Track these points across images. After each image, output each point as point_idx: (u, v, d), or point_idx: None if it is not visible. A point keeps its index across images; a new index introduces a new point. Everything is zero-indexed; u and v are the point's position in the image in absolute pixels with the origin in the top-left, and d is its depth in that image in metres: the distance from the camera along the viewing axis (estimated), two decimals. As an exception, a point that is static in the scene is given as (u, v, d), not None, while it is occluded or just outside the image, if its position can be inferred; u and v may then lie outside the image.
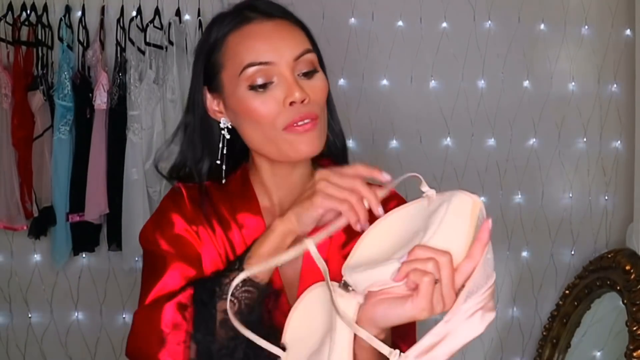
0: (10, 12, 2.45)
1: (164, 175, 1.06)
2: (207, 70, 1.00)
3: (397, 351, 0.74)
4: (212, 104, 1.01)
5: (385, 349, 0.75)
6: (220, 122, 1.01)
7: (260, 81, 0.93)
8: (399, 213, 0.83)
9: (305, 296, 0.87)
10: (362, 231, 0.84)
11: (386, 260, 0.76)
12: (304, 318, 0.86)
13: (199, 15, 2.51)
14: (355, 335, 0.79)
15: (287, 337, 0.85)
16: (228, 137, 1.01)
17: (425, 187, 0.80)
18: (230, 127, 1.01)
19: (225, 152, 1.02)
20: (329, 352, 0.79)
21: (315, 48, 1.00)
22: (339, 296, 0.79)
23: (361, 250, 0.81)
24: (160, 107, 2.43)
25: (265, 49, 0.94)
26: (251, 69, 0.93)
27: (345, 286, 0.79)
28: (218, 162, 1.02)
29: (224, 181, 1.03)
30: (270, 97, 0.93)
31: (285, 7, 1.01)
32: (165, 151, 1.08)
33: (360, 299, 0.78)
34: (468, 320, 0.73)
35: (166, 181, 1.07)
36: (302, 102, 0.93)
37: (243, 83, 0.94)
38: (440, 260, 0.73)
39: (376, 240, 0.82)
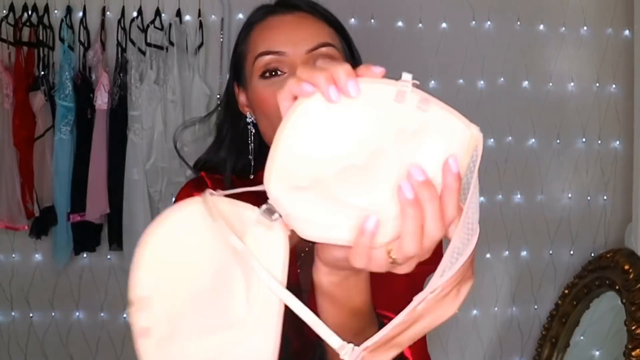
0: (11, 13, 2.46)
1: (188, 164, 1.04)
2: (235, 63, 1.00)
3: (351, 345, 0.54)
4: (242, 98, 0.99)
5: (334, 341, 0.54)
6: (247, 117, 0.99)
7: (271, 70, 0.91)
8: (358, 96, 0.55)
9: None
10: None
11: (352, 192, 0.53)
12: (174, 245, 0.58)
13: (199, 15, 2.52)
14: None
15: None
16: (253, 131, 0.99)
17: (408, 77, 0.55)
18: (254, 121, 0.99)
19: (252, 147, 0.99)
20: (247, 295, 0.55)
21: (344, 44, 0.97)
22: (257, 228, 0.55)
23: (295, 143, 0.55)
24: (160, 108, 2.44)
25: (280, 39, 0.92)
26: (264, 58, 0.91)
27: (270, 213, 0.55)
28: (249, 157, 0.99)
29: (252, 176, 0.99)
30: (279, 88, 0.92)
31: (316, 1, 0.98)
32: (182, 131, 1.06)
33: (289, 230, 0.55)
34: (442, 300, 0.55)
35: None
36: None
37: (256, 72, 0.92)
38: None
39: (318, 128, 0.55)
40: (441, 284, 0.52)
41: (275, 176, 0.55)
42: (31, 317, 2.61)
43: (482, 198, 2.66)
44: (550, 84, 2.70)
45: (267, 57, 0.91)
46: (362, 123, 0.54)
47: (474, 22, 2.66)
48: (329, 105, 0.54)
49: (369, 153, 0.54)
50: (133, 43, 2.45)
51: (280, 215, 0.55)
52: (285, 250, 0.55)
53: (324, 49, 0.91)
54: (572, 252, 2.73)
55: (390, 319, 0.55)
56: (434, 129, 0.54)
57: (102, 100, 2.41)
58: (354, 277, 0.63)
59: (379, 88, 0.55)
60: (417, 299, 0.52)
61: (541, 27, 2.68)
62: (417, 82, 0.55)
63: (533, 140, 2.70)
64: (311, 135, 0.55)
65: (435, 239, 0.54)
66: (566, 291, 2.62)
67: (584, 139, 2.72)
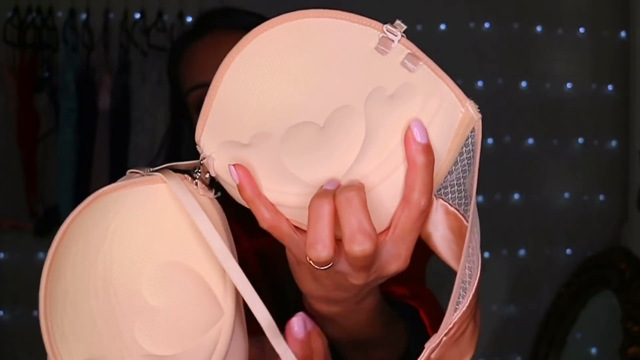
0: (16, 15, 2.49)
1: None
2: (174, 99, 1.00)
3: None
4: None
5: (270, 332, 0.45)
6: None
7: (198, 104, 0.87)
8: (323, 31, 0.44)
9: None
10: None
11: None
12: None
13: (201, 18, 2.55)
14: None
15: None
16: None
17: (400, 24, 0.49)
18: None
19: None
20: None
21: None
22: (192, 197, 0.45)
23: (239, 88, 0.43)
24: (163, 109, 2.47)
25: (201, 70, 0.89)
26: (193, 94, 0.90)
27: (194, 178, 0.47)
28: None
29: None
30: None
31: (234, 10, 0.96)
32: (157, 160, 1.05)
33: (211, 193, 0.47)
34: (459, 340, 0.42)
35: None
36: None
37: (192, 108, 0.92)
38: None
39: (270, 70, 0.43)
40: (457, 320, 0.40)
41: (210, 128, 0.44)
42: (35, 315, 2.64)
43: (480, 197, 2.69)
44: (548, 85, 2.73)
45: (196, 92, 0.90)
46: (326, 70, 0.43)
47: (472, 24, 2.69)
48: (287, 43, 0.42)
49: (331, 110, 0.43)
50: (135, 44, 2.48)
51: (212, 177, 0.45)
52: (207, 214, 0.45)
53: None
54: (569, 252, 2.76)
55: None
56: (418, 94, 0.45)
57: (105, 101, 2.45)
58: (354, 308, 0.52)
59: (356, 29, 0.45)
60: (430, 345, 0.40)
61: (538, 28, 2.71)
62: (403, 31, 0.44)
63: (530, 140, 2.72)
64: (260, 79, 0.43)
65: (404, 236, 0.44)
66: (563, 290, 2.65)
67: (580, 140, 2.75)
